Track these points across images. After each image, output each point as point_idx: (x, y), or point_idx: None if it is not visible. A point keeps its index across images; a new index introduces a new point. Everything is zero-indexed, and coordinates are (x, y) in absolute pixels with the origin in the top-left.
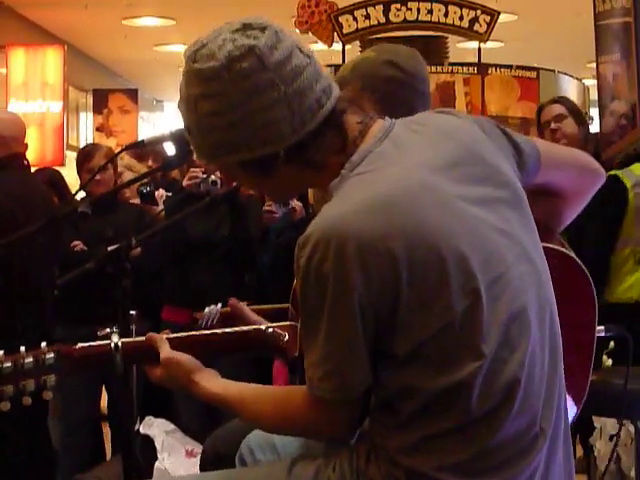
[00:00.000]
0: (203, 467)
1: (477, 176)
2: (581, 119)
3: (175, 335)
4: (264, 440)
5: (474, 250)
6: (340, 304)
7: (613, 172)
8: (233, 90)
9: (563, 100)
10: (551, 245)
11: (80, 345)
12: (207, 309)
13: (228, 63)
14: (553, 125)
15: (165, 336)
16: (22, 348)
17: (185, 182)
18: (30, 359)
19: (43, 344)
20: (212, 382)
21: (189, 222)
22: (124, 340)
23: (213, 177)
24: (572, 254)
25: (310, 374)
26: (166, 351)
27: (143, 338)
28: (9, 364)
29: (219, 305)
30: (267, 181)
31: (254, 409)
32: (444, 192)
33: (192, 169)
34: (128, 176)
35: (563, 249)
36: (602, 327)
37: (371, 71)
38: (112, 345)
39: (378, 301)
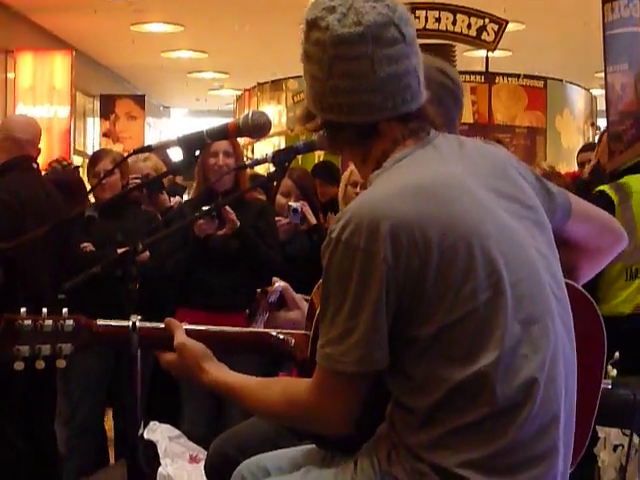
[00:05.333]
0: (208, 468)
1: (508, 193)
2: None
3: (191, 327)
4: (256, 466)
5: (502, 247)
6: (367, 277)
7: (601, 187)
8: (376, 55)
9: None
10: (571, 282)
11: (100, 320)
12: (277, 284)
13: (375, 29)
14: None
15: (184, 327)
16: (44, 310)
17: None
18: (50, 322)
19: (64, 310)
20: (220, 371)
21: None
22: (142, 324)
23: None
24: (588, 295)
25: (329, 351)
26: (180, 337)
27: (161, 324)
28: (29, 323)
29: (282, 283)
30: (359, 146)
31: (259, 396)
32: (478, 193)
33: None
34: None
35: (579, 287)
36: (609, 381)
37: (427, 75)
38: (130, 324)
39: (403, 279)
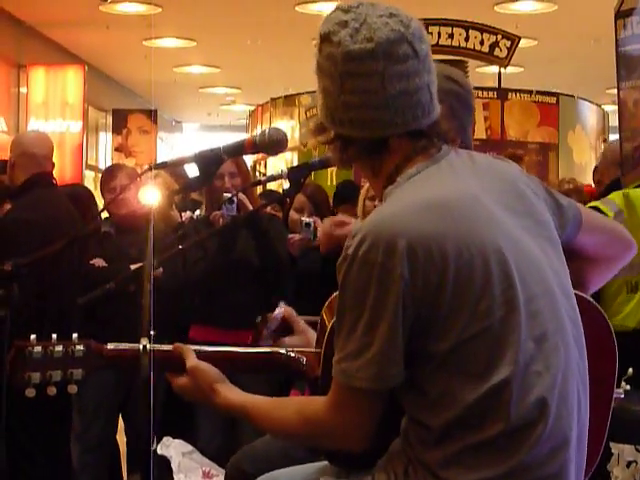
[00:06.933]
0: None
1: (520, 209)
2: None
3: (201, 349)
4: None
5: (517, 264)
6: (384, 293)
7: (593, 203)
8: (387, 72)
9: None
10: (582, 294)
11: (110, 344)
12: (276, 310)
13: (387, 46)
14: None
15: (193, 348)
16: (54, 336)
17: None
18: (60, 348)
19: (74, 335)
20: (233, 393)
21: (210, 246)
22: (153, 346)
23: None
24: (599, 307)
25: (345, 366)
26: (192, 360)
27: (170, 347)
28: (39, 349)
29: (282, 309)
30: (369, 161)
31: (274, 416)
32: (492, 209)
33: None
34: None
35: (592, 300)
36: (621, 390)
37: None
38: (141, 347)
39: (420, 295)
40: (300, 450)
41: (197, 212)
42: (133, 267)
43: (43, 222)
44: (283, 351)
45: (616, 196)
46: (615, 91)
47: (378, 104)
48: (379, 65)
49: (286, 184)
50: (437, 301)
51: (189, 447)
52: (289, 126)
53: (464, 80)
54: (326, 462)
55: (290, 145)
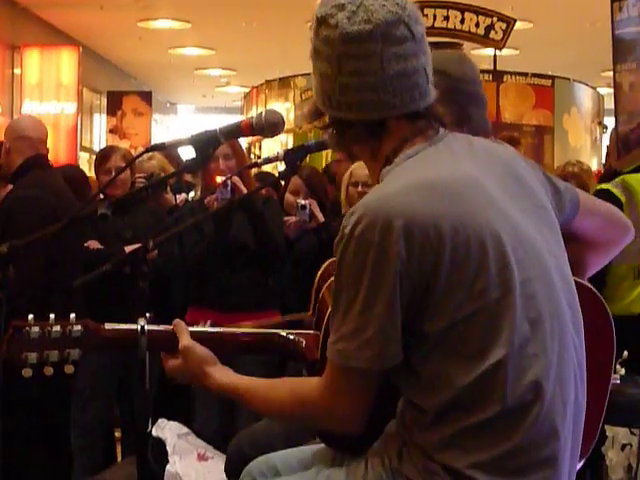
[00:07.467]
0: (227, 469)
1: (517, 193)
2: None
3: (198, 329)
4: (266, 466)
5: (513, 245)
6: (381, 272)
7: (605, 186)
8: (385, 54)
9: None
10: (580, 280)
11: (108, 324)
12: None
13: (384, 28)
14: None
15: (191, 329)
16: (52, 316)
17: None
18: (57, 328)
19: (72, 316)
20: (224, 375)
21: (206, 228)
22: (150, 327)
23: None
24: (598, 293)
25: (342, 347)
26: (185, 340)
27: (169, 327)
28: (36, 329)
29: (208, 322)
30: (367, 144)
31: (268, 397)
32: (490, 192)
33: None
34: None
35: (591, 287)
36: (617, 376)
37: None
38: (138, 328)
39: (417, 275)
40: (301, 433)
41: (191, 194)
42: (128, 249)
43: (51, 199)
44: (283, 333)
45: (627, 179)
46: (611, 74)
47: (376, 86)
48: (377, 46)
49: (281, 166)
50: (433, 281)
51: (184, 429)
52: (284, 108)
53: (455, 68)
54: (321, 445)
55: (285, 127)
